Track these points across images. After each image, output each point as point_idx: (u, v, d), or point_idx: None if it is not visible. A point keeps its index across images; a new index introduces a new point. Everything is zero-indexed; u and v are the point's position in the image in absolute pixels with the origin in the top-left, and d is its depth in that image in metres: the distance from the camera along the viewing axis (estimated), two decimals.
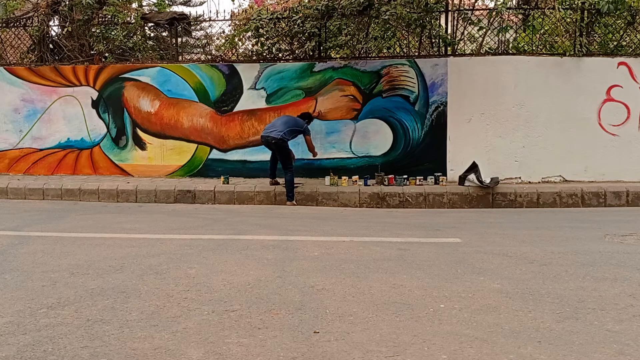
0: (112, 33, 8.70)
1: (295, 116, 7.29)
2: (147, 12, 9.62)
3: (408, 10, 7.17)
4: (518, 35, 8.28)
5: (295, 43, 8.38)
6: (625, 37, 7.88)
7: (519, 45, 8.22)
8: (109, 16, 8.85)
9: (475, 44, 8.38)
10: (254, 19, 7.93)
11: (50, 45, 8.99)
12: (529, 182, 7.62)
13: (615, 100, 7.56)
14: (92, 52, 8.92)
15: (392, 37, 8.19)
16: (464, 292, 3.22)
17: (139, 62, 8.58)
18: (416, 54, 8.18)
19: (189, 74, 8.27)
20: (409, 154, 7.85)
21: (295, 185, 6.98)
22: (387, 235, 4.90)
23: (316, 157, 7.73)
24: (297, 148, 7.57)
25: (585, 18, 7.64)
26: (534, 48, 8.11)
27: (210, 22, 9.11)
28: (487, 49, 8.32)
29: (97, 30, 8.83)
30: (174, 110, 8.34)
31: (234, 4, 15.41)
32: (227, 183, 7.56)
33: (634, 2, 7.91)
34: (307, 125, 7.11)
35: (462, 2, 8.41)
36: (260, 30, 7.97)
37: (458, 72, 7.66)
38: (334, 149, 7.65)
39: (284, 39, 8.23)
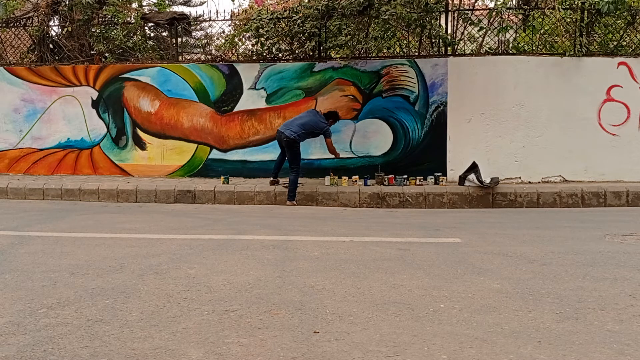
0: (112, 33, 8.70)
1: (322, 113, 7.18)
2: (147, 12, 9.61)
3: (408, 10, 7.17)
4: (518, 35, 8.28)
5: (295, 43, 8.37)
6: (625, 37, 7.88)
7: (519, 45, 8.22)
8: (109, 16, 8.85)
9: (475, 44, 8.38)
10: (254, 19, 7.93)
11: (50, 45, 8.99)
12: (529, 182, 7.62)
13: (615, 100, 7.56)
14: (92, 52, 8.92)
15: (392, 37, 8.18)
16: (464, 292, 3.22)
17: (139, 62, 8.58)
18: (416, 54, 8.18)
19: (189, 74, 8.27)
20: (409, 154, 7.85)
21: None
22: (387, 235, 4.90)
23: (317, 158, 7.78)
24: None
25: (585, 18, 7.64)
26: (534, 48, 8.11)
27: (210, 22, 9.11)
28: (487, 49, 8.32)
29: (97, 30, 8.83)
30: (174, 110, 8.34)
31: (234, 4, 15.44)
32: (227, 183, 7.56)
33: (634, 2, 7.90)
34: (328, 126, 7.00)
35: (462, 2, 8.40)
36: (260, 30, 7.97)
37: (458, 72, 7.66)
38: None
39: (284, 39, 8.22)
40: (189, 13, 9.17)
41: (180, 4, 18.52)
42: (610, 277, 3.52)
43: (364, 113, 7.90)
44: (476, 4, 8.72)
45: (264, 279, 3.50)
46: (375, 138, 7.91)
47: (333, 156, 7.30)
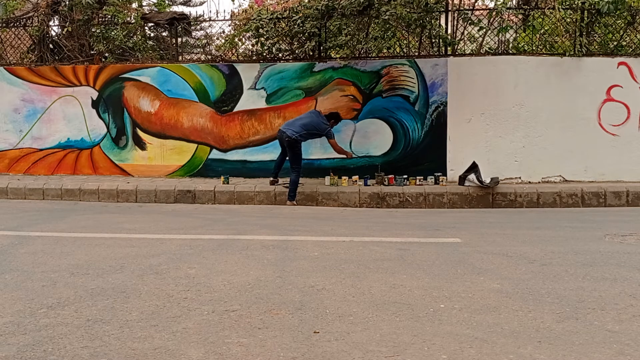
0: (112, 33, 8.70)
1: (324, 114, 7.19)
2: (147, 12, 9.61)
3: (408, 10, 7.17)
4: (518, 35, 8.28)
5: (295, 43, 8.37)
6: (625, 37, 7.88)
7: (519, 45, 8.22)
8: (109, 16, 8.85)
9: (475, 44, 8.38)
10: (254, 19, 7.93)
11: (50, 45, 8.99)
12: (529, 182, 7.62)
13: (615, 100, 7.56)
14: (92, 52, 8.92)
15: (392, 37, 8.18)
16: (464, 292, 3.22)
17: (139, 62, 8.58)
18: (416, 54, 8.18)
19: (189, 74, 8.27)
20: (409, 154, 7.85)
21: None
22: (387, 235, 4.90)
23: (317, 158, 7.80)
24: None
25: (585, 18, 7.64)
26: (534, 48, 8.11)
27: (210, 22, 9.10)
28: (487, 49, 8.32)
29: (97, 30, 8.83)
30: (174, 110, 8.34)
31: (234, 4, 15.42)
32: (227, 183, 7.56)
33: (634, 2, 7.90)
34: (330, 128, 7.00)
35: (462, 2, 8.40)
36: (260, 30, 7.97)
37: (458, 72, 7.66)
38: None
39: (284, 39, 8.22)
40: (189, 13, 9.18)
41: (180, 4, 18.52)
42: (610, 277, 3.52)
43: (364, 113, 7.90)
44: (476, 4, 8.72)
45: (264, 279, 3.50)
46: (375, 138, 7.90)
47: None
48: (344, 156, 7.31)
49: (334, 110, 7.47)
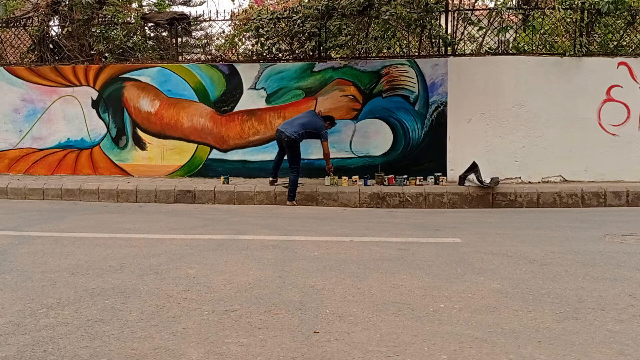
0: (112, 33, 8.70)
1: (320, 116, 7.22)
2: (147, 12, 9.62)
3: (408, 10, 7.17)
4: (518, 35, 8.28)
5: (295, 43, 8.37)
6: (625, 37, 7.88)
7: (519, 45, 8.22)
8: (109, 16, 8.85)
9: (475, 44, 8.38)
10: (254, 19, 7.94)
11: (50, 45, 8.99)
12: (529, 182, 7.62)
13: (615, 100, 7.56)
14: (92, 52, 8.92)
15: (392, 37, 8.19)
16: (464, 292, 3.22)
17: (139, 62, 8.58)
18: (416, 54, 8.18)
19: (189, 74, 8.27)
20: (409, 154, 7.85)
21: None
22: (387, 235, 4.90)
23: (317, 158, 7.80)
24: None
25: (585, 18, 7.64)
26: (534, 48, 8.11)
27: (210, 22, 9.11)
28: (487, 49, 8.32)
29: (97, 30, 8.83)
30: (174, 110, 8.34)
31: (234, 4, 15.46)
32: (227, 183, 7.56)
33: (634, 2, 7.90)
34: (326, 130, 7.00)
35: (462, 2, 8.40)
36: (260, 30, 7.98)
37: (458, 72, 7.66)
38: (334, 149, 7.64)
39: (284, 39, 8.23)
40: (189, 13, 9.18)
41: (180, 4, 18.52)
42: (610, 277, 3.52)
43: (364, 113, 7.90)
44: (476, 4, 8.72)
45: (264, 279, 3.50)
46: (375, 138, 7.91)
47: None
48: (329, 166, 7.19)
49: (334, 110, 7.47)
